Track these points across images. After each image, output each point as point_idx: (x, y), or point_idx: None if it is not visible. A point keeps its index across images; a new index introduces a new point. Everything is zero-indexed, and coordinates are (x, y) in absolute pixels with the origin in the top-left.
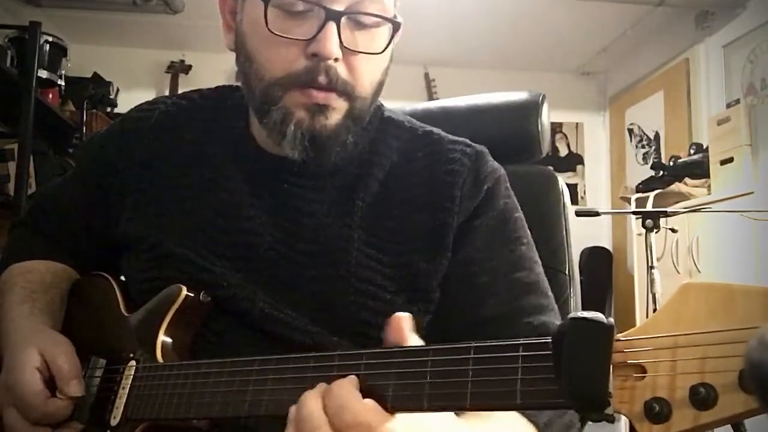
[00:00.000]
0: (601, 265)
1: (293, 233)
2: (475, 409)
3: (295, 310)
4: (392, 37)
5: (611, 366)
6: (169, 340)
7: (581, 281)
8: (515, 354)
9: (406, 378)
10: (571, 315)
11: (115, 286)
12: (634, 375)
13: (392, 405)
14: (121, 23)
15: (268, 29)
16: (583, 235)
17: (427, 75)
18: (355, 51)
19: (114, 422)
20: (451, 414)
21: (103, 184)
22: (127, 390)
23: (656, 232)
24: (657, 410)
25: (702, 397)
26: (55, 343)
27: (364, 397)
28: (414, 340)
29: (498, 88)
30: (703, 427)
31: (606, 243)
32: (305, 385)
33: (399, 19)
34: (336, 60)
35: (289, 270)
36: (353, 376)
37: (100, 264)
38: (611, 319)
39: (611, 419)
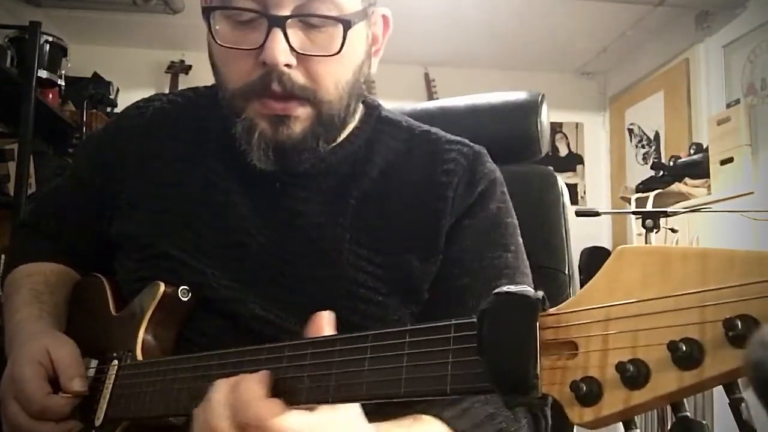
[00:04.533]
0: (600, 265)
1: (285, 234)
2: (409, 397)
3: (285, 311)
4: (345, 35)
5: (538, 344)
6: (150, 338)
7: (581, 281)
8: (447, 336)
9: (345, 366)
10: (496, 290)
11: (107, 286)
12: (567, 353)
13: (332, 397)
14: (121, 23)
15: (216, 42)
16: (583, 235)
17: (427, 75)
18: (309, 54)
19: (98, 422)
20: (361, 413)
21: (99, 183)
22: (110, 389)
23: (656, 232)
24: (585, 391)
25: (631, 374)
26: (62, 344)
27: (274, 394)
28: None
29: (498, 88)
30: (636, 409)
31: (606, 243)
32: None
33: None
34: (290, 66)
35: (280, 271)
36: (266, 371)
37: (99, 264)
38: (540, 293)
39: (541, 404)
